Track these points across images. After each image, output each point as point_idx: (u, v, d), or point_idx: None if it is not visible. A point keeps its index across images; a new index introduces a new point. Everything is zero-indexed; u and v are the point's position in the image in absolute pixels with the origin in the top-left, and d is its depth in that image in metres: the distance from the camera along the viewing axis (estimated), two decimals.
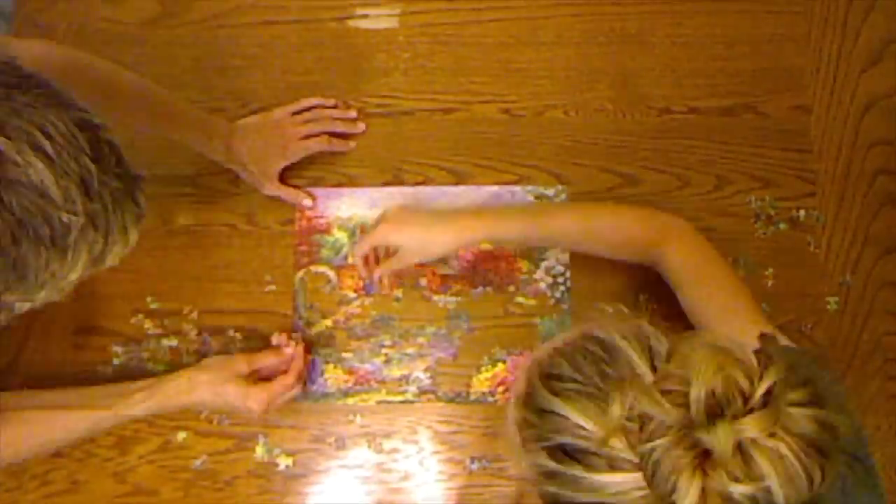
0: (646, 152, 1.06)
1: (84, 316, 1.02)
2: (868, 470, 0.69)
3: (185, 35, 1.11)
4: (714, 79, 1.08)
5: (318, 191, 1.05)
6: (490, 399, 1.00)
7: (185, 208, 1.05)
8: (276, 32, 1.11)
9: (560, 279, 1.02)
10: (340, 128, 1.06)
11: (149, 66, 1.08)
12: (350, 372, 1.00)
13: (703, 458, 0.50)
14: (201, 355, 1.00)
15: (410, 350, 1.01)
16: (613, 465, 0.53)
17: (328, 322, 1.02)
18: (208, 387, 0.92)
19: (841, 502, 0.64)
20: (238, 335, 1.01)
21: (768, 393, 0.51)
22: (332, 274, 1.03)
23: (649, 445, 0.51)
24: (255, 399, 0.91)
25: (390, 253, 0.94)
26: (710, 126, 1.07)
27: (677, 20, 1.10)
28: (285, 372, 0.94)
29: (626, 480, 0.52)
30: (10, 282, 0.56)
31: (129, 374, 0.99)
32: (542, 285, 1.03)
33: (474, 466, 0.98)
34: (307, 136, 1.04)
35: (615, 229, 0.93)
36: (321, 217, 1.05)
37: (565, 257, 1.03)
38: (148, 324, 1.02)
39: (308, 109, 1.06)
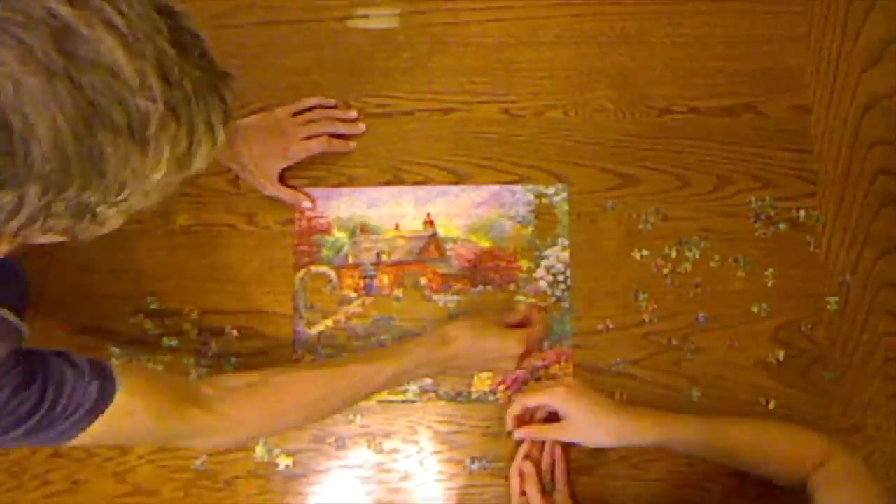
0: (646, 152, 1.06)
1: (84, 316, 1.02)
2: None
3: None
4: (714, 79, 1.08)
5: (318, 191, 1.05)
6: (491, 398, 1.00)
7: (185, 208, 1.05)
8: (276, 32, 1.11)
9: (560, 278, 1.02)
10: (341, 128, 1.06)
11: None
12: None
13: None
14: (201, 355, 1.00)
15: None
16: None
17: (329, 322, 1.02)
18: (469, 331, 0.94)
19: None
20: (238, 335, 1.01)
21: None
22: (332, 274, 1.03)
23: None
24: (517, 337, 0.94)
25: (542, 416, 0.95)
26: (710, 126, 1.07)
27: (677, 20, 1.10)
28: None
29: None
30: (89, 177, 0.51)
31: None
32: (543, 284, 1.03)
33: (474, 466, 0.98)
34: (308, 137, 1.03)
35: (791, 445, 0.89)
36: (321, 217, 1.05)
37: (565, 256, 1.03)
38: (148, 324, 1.02)
39: (309, 109, 1.06)
